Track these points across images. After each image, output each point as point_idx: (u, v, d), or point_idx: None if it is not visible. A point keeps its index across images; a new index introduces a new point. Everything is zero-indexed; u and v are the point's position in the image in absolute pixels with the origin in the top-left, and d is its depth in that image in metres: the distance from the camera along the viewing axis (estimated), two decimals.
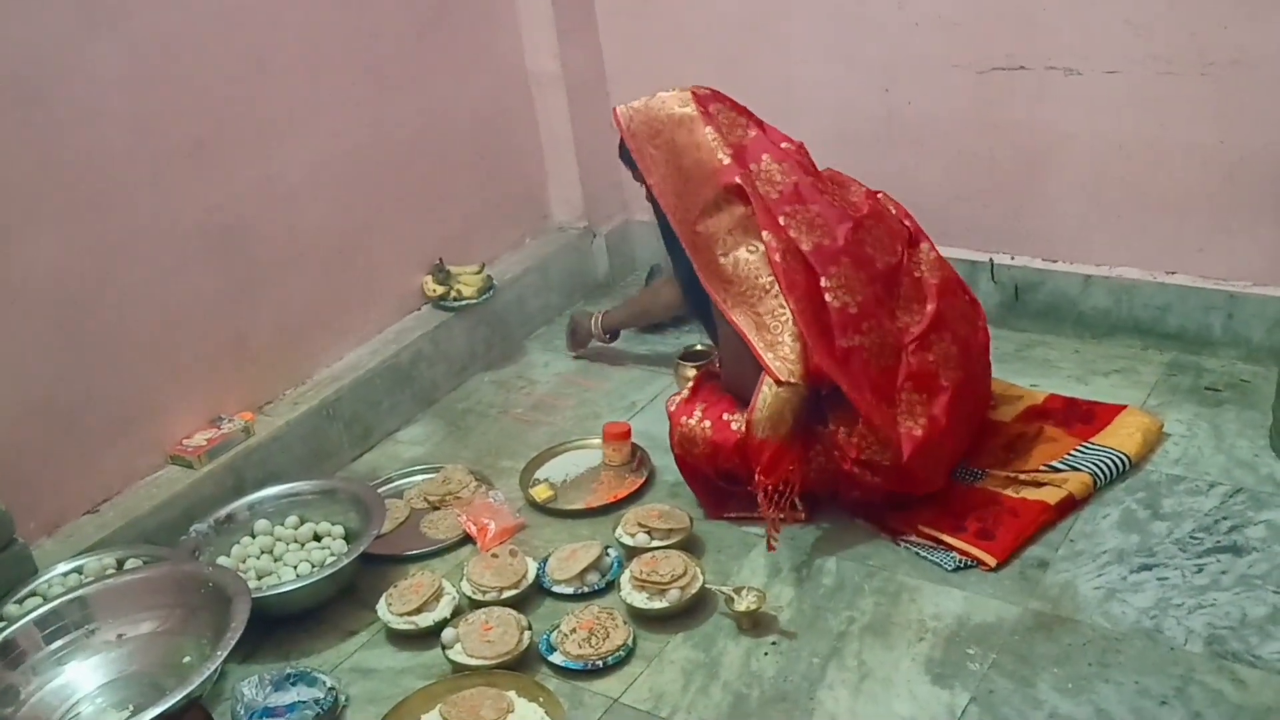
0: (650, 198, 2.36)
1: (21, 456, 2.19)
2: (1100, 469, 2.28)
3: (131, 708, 1.70)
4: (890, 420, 2.15)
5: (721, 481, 2.31)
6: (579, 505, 2.46)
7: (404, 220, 2.93)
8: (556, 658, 2.02)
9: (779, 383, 2.12)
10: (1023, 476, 2.28)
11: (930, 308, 2.24)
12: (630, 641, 2.04)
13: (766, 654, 1.99)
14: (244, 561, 2.27)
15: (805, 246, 2.17)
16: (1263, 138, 2.47)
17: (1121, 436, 2.36)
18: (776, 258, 2.15)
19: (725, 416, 2.26)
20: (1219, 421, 2.44)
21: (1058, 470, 2.29)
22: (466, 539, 2.39)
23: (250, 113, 2.52)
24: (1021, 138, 2.75)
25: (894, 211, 2.36)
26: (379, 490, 2.49)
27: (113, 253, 2.30)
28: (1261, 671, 1.82)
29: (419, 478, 2.62)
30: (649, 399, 2.82)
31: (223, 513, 2.35)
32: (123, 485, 2.38)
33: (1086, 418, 2.44)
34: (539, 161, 3.32)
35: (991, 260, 2.87)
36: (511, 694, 1.92)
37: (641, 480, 2.48)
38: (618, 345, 3.00)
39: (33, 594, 2.06)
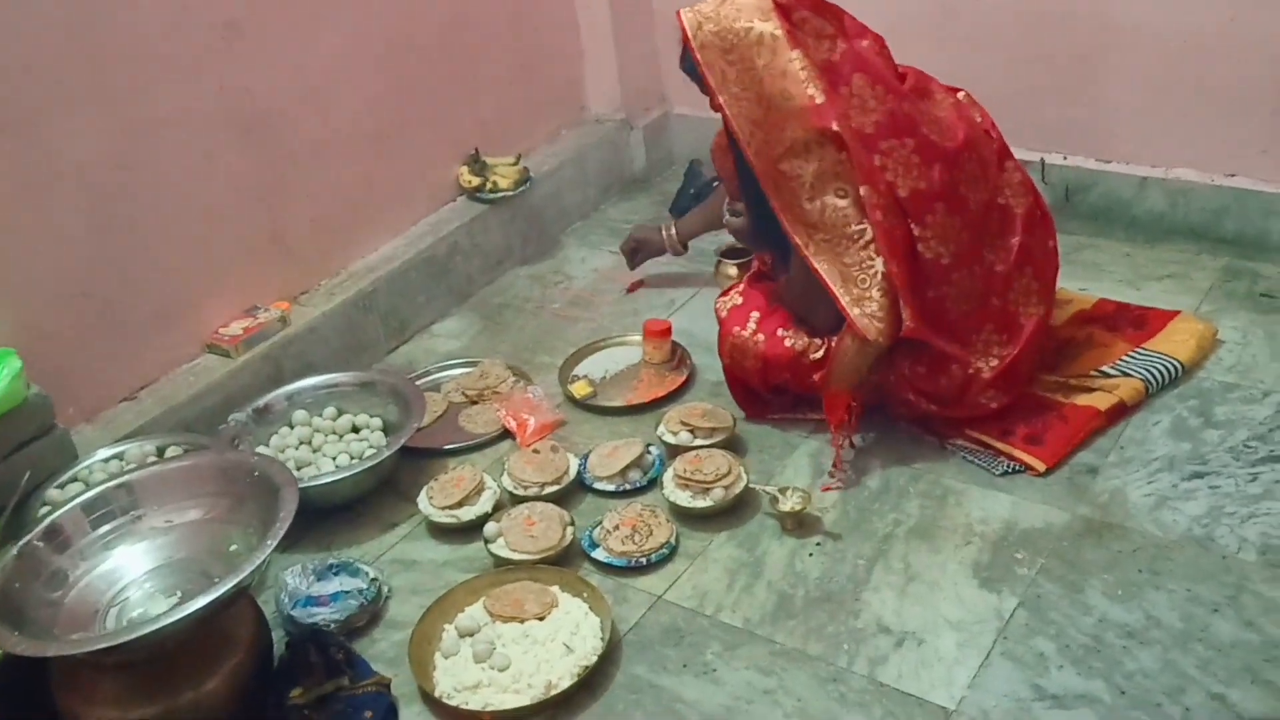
0: (720, 114, 2.13)
1: (59, 343, 2.17)
2: (1152, 375, 2.23)
3: (180, 594, 1.69)
4: (964, 362, 2.11)
5: (769, 394, 2.28)
6: (619, 402, 2.43)
7: (439, 110, 2.86)
8: (599, 554, 2.01)
9: (863, 340, 2.04)
10: (1073, 381, 2.23)
11: (1015, 240, 2.12)
12: (673, 539, 2.03)
13: (811, 555, 1.98)
14: (282, 452, 2.27)
15: (902, 193, 2.01)
16: None
17: (1174, 342, 2.31)
18: (879, 215, 1.99)
19: (780, 333, 2.21)
20: (1275, 329, 2.38)
21: (1109, 376, 2.24)
22: (505, 434, 2.38)
23: None
24: (1081, 32, 2.64)
25: (979, 120, 2.17)
26: (416, 383, 2.47)
27: (145, 138, 2.25)
28: None
29: (456, 372, 2.60)
30: (688, 296, 2.77)
31: (261, 402, 2.34)
32: (160, 373, 2.37)
33: (1138, 323, 2.39)
34: (576, 51, 3.23)
35: (1043, 160, 2.79)
36: (555, 589, 1.92)
37: (682, 379, 2.45)
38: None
39: (74, 479, 2.06)
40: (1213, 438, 2.11)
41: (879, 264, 2.01)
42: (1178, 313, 2.41)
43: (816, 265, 2.05)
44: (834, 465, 2.13)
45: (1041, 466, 2.08)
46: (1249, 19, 2.45)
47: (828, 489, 2.10)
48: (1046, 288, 2.20)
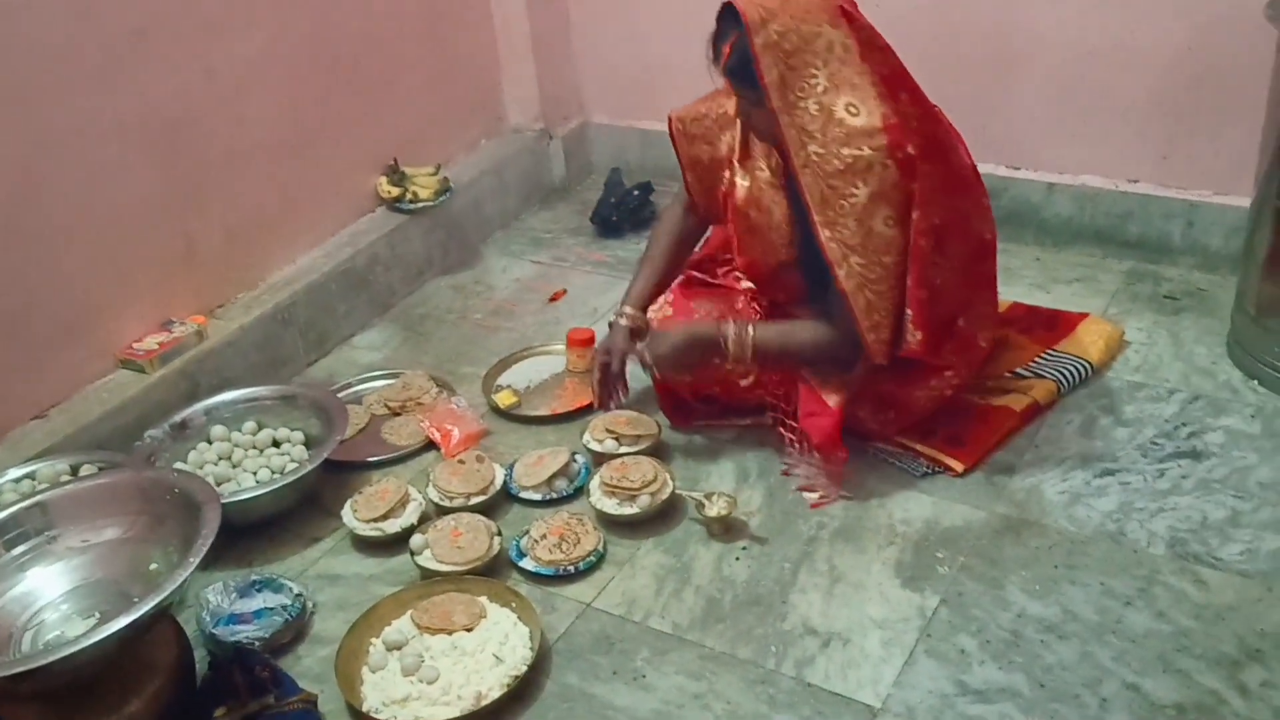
0: (762, 122, 2.00)
1: None
2: (1064, 375, 2.30)
3: (98, 615, 1.65)
4: (942, 381, 2.16)
5: (697, 403, 2.29)
6: (544, 411, 2.43)
7: (356, 119, 2.83)
8: (527, 563, 2.01)
9: (872, 363, 2.04)
10: (990, 383, 2.29)
11: (984, 269, 2.19)
12: (601, 547, 2.03)
13: (738, 559, 2.00)
14: (201, 468, 2.22)
15: (937, 220, 1.97)
16: (1229, 44, 2.46)
17: (1084, 344, 2.39)
18: (923, 242, 1.94)
19: None
20: (1178, 329, 2.47)
21: (1023, 377, 2.30)
22: (429, 445, 2.36)
23: (193, 1, 2.40)
24: (988, 43, 2.72)
25: (962, 149, 2.13)
26: (338, 396, 2.44)
27: (51, 149, 2.19)
28: (1222, 572, 1.86)
29: (378, 383, 2.57)
30: (610, 305, 2.77)
31: (178, 418, 2.29)
32: (71, 390, 2.30)
33: (1049, 325, 2.46)
34: (494, 61, 3.23)
35: None
36: (483, 599, 1.91)
37: None
38: (582, 248, 2.89)
39: None
40: (1122, 435, 2.18)
41: (895, 295, 1.98)
42: (1086, 315, 2.48)
43: (846, 286, 1.96)
44: (823, 493, 2.11)
45: (960, 467, 2.12)
46: (1145, 31, 2.54)
47: (817, 505, 2.09)
48: (995, 311, 2.27)
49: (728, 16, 1.94)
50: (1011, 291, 2.61)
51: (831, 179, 1.92)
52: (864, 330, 1.99)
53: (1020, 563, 1.92)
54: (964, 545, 1.97)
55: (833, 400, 2.09)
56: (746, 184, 2.14)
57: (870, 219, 1.93)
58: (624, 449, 2.22)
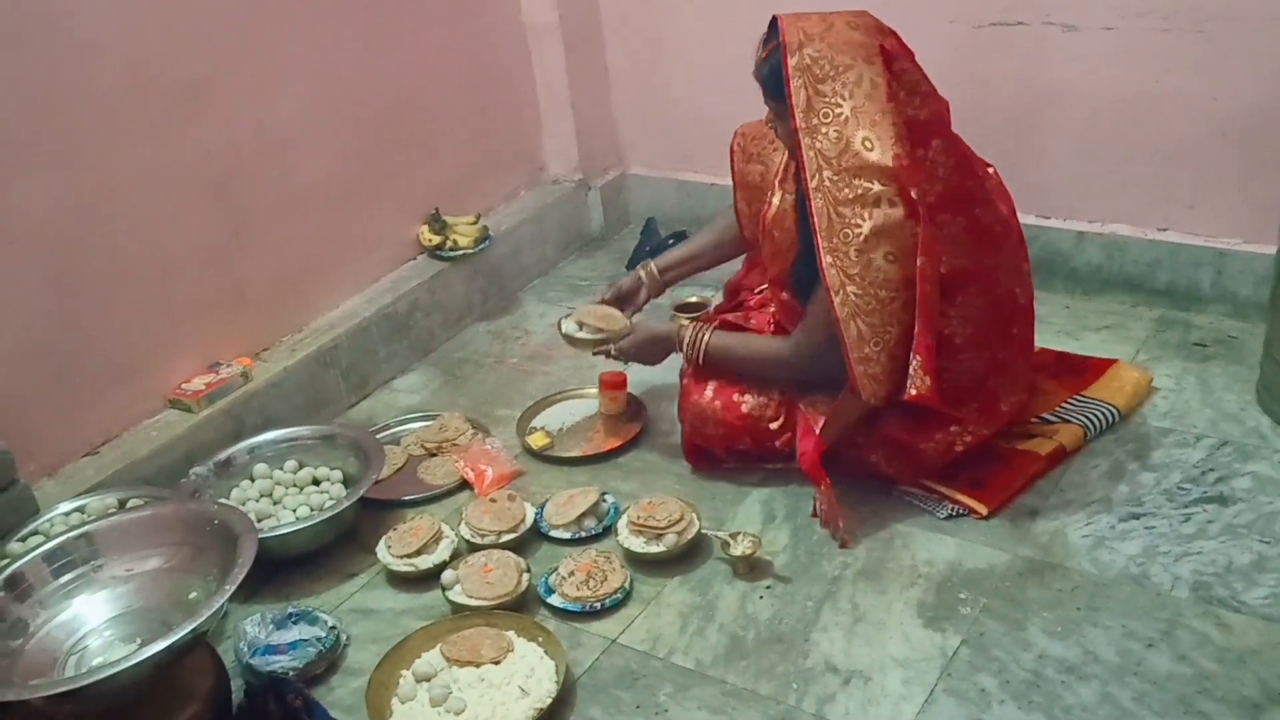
0: (785, 135, 2.08)
1: (21, 400, 2.20)
2: (1091, 421, 2.31)
3: (139, 641, 1.72)
4: (948, 434, 2.17)
5: (730, 461, 2.33)
6: (575, 453, 2.48)
7: (399, 170, 2.93)
8: (555, 599, 2.05)
9: (858, 398, 2.03)
10: (1015, 428, 2.30)
11: (1016, 331, 2.19)
12: (627, 584, 2.07)
13: (762, 597, 2.03)
14: (243, 504, 2.29)
15: (944, 269, 2.01)
16: (1254, 94, 2.49)
17: (1112, 390, 2.40)
18: (927, 288, 1.97)
19: (736, 397, 2.25)
20: (1206, 376, 2.47)
21: (1049, 422, 2.32)
22: (464, 485, 2.42)
23: (247, 58, 2.52)
24: (1017, 94, 2.76)
25: (1002, 207, 2.16)
26: (376, 437, 2.51)
27: (108, 198, 2.30)
28: (1246, 616, 1.86)
29: (416, 425, 2.64)
30: None
31: (222, 456, 2.37)
32: (122, 428, 2.39)
33: (1077, 371, 2.48)
34: (534, 114, 3.32)
35: None
36: (511, 634, 1.95)
37: (637, 429, 2.51)
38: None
39: (35, 533, 2.08)
40: (1148, 480, 2.19)
41: (895, 332, 2.00)
42: (1115, 361, 2.50)
43: (839, 314, 1.99)
44: (827, 521, 2.14)
45: (984, 510, 2.14)
46: (1172, 81, 2.57)
47: (845, 545, 2.12)
48: (1029, 375, 2.28)
49: (774, 26, 2.03)
50: (1041, 339, 2.59)
51: (840, 206, 1.97)
52: (852, 361, 2.00)
53: (1042, 604, 1.93)
54: (986, 586, 1.99)
55: (818, 426, 2.12)
56: (778, 203, 2.23)
57: (871, 251, 1.97)
58: (583, 334, 2.39)
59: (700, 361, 2.28)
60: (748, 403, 2.25)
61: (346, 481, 2.37)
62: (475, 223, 3.03)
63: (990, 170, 2.18)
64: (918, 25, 2.76)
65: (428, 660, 1.92)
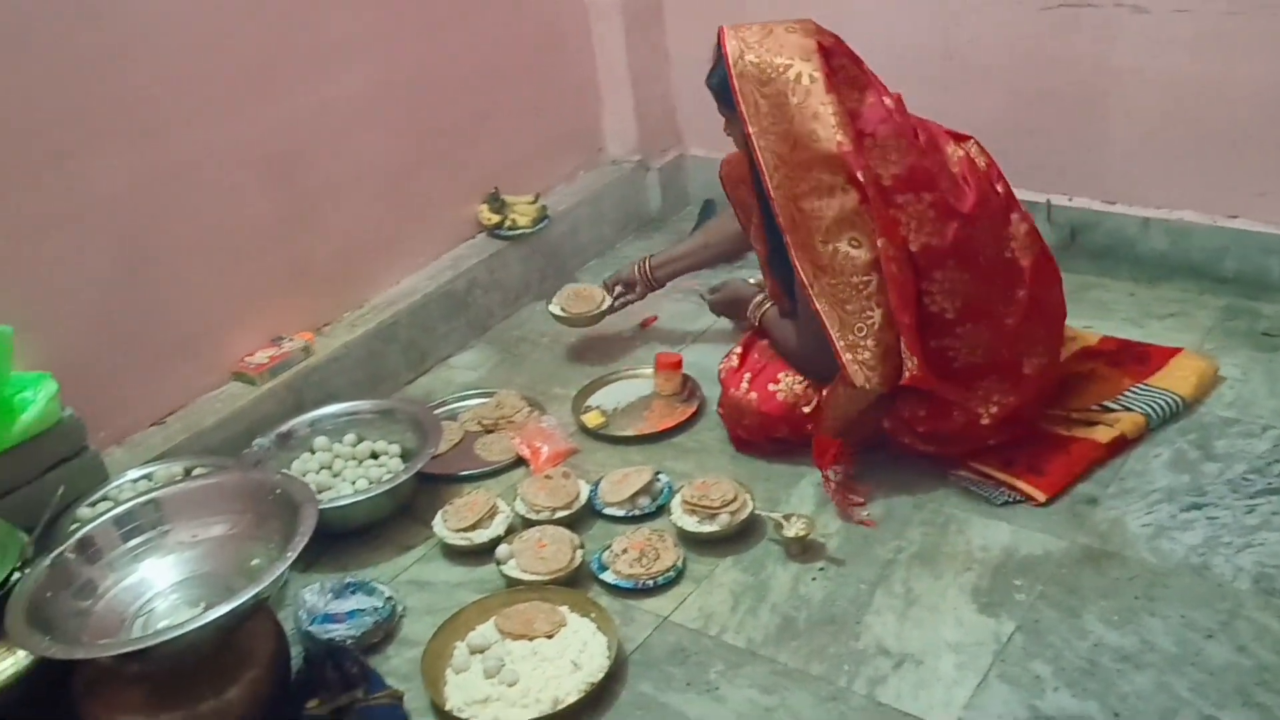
0: (740, 141, 2.19)
1: (92, 370, 2.25)
2: (1154, 410, 2.28)
3: (203, 605, 1.76)
4: (965, 409, 2.15)
5: (773, 448, 2.34)
6: (630, 432, 2.49)
7: (459, 149, 2.95)
8: (608, 576, 2.07)
9: (853, 387, 2.08)
10: (1075, 415, 2.28)
11: (1023, 294, 2.14)
12: (680, 563, 2.08)
13: (814, 579, 2.03)
14: (303, 476, 2.33)
15: (914, 247, 2.05)
16: None
17: (1176, 378, 2.36)
18: (893, 269, 2.02)
19: (770, 387, 2.28)
20: (1274, 366, 2.42)
21: (1110, 410, 2.29)
22: (519, 461, 2.44)
23: (308, 38, 2.54)
24: (1085, 76, 2.72)
25: (984, 166, 2.18)
26: (434, 413, 2.54)
27: (176, 175, 2.34)
28: None
29: (473, 402, 2.67)
30: (700, 330, 2.84)
31: (284, 428, 2.41)
32: (187, 400, 2.45)
33: (1141, 359, 2.44)
34: (594, 94, 3.33)
35: (1049, 201, 2.86)
36: (564, 609, 1.97)
37: (692, 409, 2.51)
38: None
39: (104, 498, 2.13)
40: (1212, 470, 2.15)
41: (878, 315, 2.05)
42: (1180, 350, 2.46)
43: (818, 306, 2.08)
44: (839, 508, 2.16)
45: (1042, 497, 2.12)
46: (1244, 65, 2.52)
47: (866, 523, 2.13)
48: (1053, 336, 2.25)
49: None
50: (1104, 326, 2.60)
51: (800, 201, 2.06)
52: (839, 350, 2.07)
53: (1099, 593, 1.92)
54: (1043, 574, 1.97)
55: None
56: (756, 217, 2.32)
57: (835, 240, 2.05)
58: (558, 311, 2.69)
59: (758, 325, 2.43)
60: (782, 391, 2.26)
61: (404, 456, 2.40)
62: (534, 202, 3.05)
63: (966, 144, 2.19)
64: (985, 7, 2.76)
65: (482, 633, 1.95)
